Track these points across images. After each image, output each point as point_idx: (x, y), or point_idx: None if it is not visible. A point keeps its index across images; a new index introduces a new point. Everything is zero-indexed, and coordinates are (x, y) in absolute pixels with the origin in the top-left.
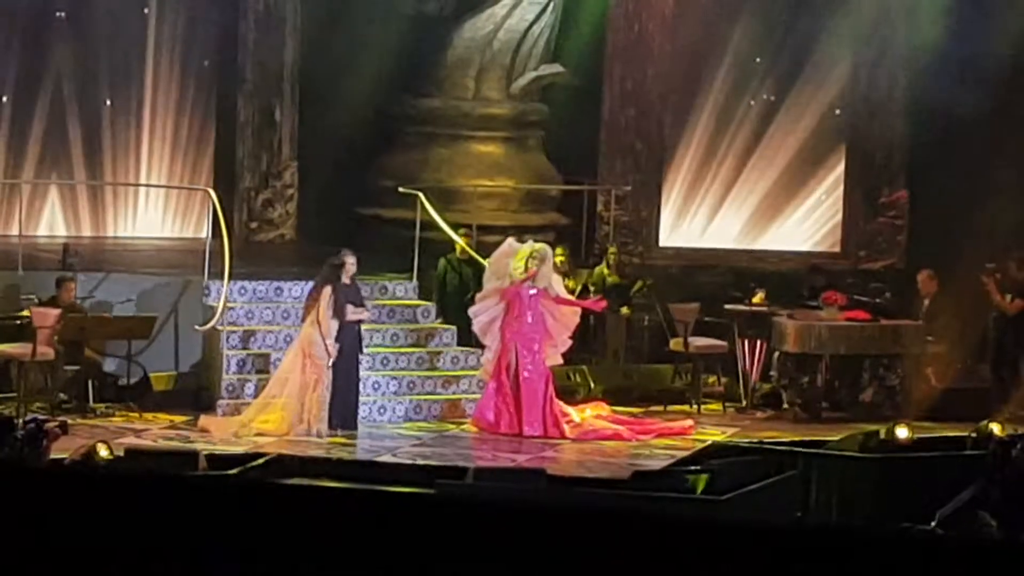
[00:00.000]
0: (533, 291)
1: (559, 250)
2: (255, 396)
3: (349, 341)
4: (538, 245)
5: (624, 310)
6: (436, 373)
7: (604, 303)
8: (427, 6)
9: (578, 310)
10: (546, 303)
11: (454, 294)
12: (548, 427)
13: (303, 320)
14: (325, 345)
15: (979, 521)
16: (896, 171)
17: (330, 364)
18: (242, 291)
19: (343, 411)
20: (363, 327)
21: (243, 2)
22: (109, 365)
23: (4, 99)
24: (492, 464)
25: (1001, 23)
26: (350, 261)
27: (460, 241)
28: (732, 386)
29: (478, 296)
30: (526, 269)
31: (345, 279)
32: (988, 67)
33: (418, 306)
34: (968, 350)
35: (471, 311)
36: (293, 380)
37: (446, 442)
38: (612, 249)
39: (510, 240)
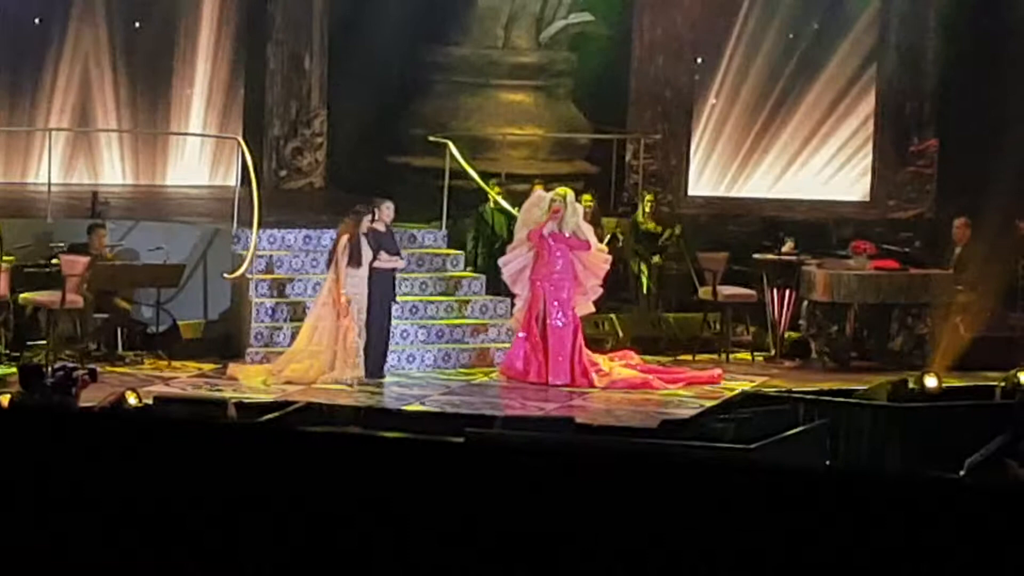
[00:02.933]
0: (561, 237)
1: (586, 197)
2: (284, 344)
3: (383, 289)
4: (562, 189)
5: (656, 259)
6: (465, 321)
7: (587, 246)
8: None
9: (608, 257)
10: (574, 251)
11: (487, 244)
12: (577, 376)
13: (328, 269)
14: (337, 291)
15: (1008, 470)
16: (926, 119)
17: (347, 311)
18: (271, 239)
19: (372, 359)
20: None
21: None
22: (138, 313)
23: (38, 47)
24: (521, 413)
25: None
26: (386, 206)
27: (492, 192)
28: (761, 335)
29: (509, 247)
30: (550, 209)
31: (380, 226)
32: (1020, 12)
33: (447, 254)
34: (997, 299)
35: (501, 260)
36: (323, 328)
37: (474, 391)
38: (649, 196)
39: (539, 191)
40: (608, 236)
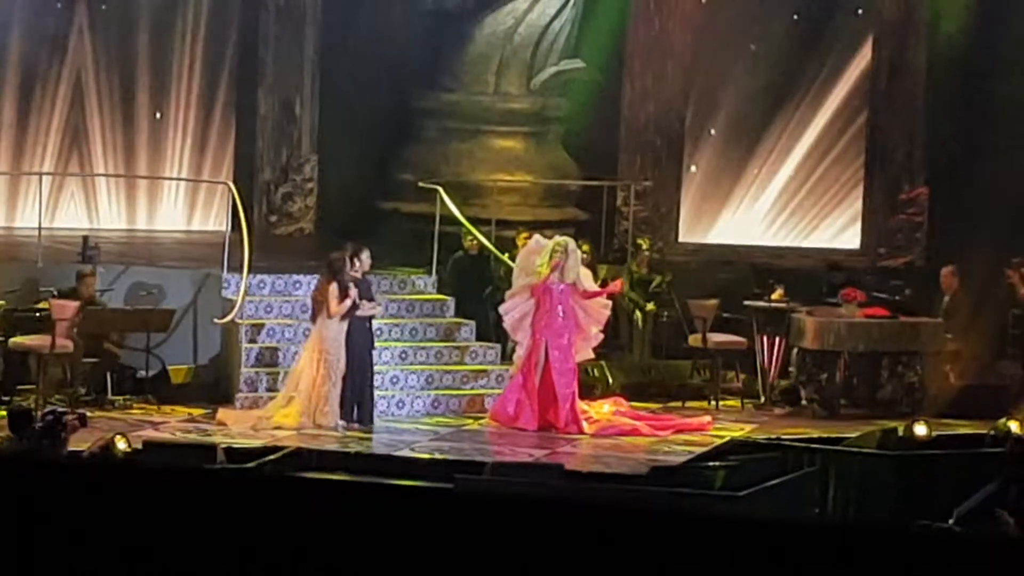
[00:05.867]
0: (562, 286)
1: (584, 247)
2: (273, 390)
3: (362, 336)
4: (561, 238)
5: (650, 306)
6: (455, 368)
7: (620, 282)
8: (448, 1)
9: (608, 303)
10: (576, 298)
11: (470, 290)
12: (567, 422)
13: (312, 318)
14: (318, 339)
15: (997, 519)
16: (916, 167)
17: (323, 359)
18: (261, 285)
19: (359, 406)
20: (382, 321)
21: None
22: (128, 358)
23: (29, 90)
24: (510, 459)
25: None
26: (365, 255)
27: (477, 234)
28: (751, 382)
29: (508, 293)
30: (551, 261)
31: (357, 274)
32: (1010, 62)
33: (437, 300)
34: (987, 347)
35: (501, 309)
36: (307, 375)
37: (464, 437)
38: (645, 244)
39: (537, 237)
40: (599, 282)
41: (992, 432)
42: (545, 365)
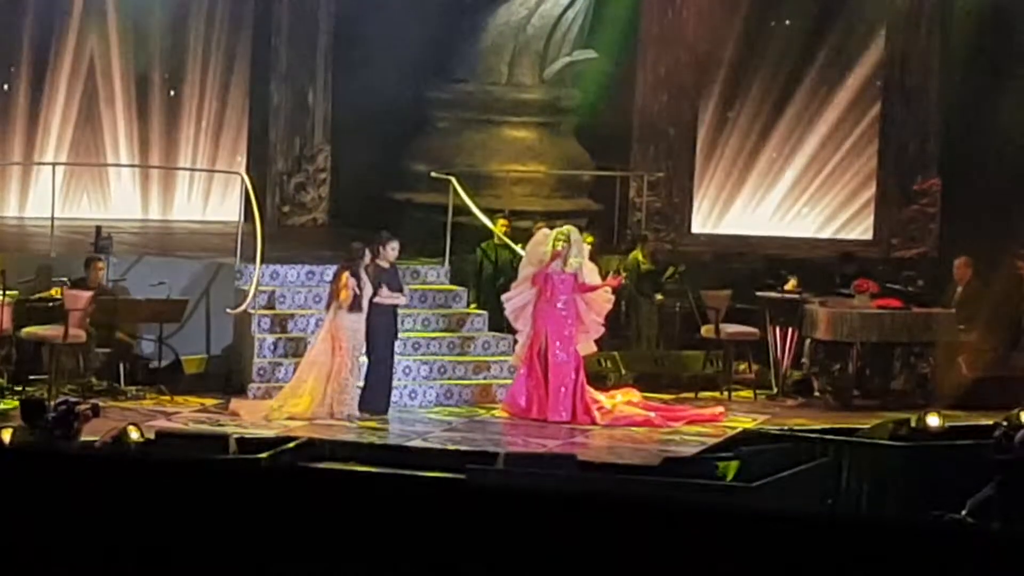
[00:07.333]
0: (564, 275)
1: (588, 238)
2: (286, 380)
3: (385, 325)
4: (565, 227)
5: (658, 297)
6: (467, 358)
7: (619, 278)
8: None
9: (611, 297)
10: (577, 289)
11: (488, 280)
12: (579, 413)
13: (327, 307)
14: (334, 328)
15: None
16: (929, 158)
17: (341, 348)
18: (274, 275)
19: (375, 396)
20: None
21: None
22: (141, 348)
23: (41, 81)
24: (523, 450)
25: None
26: (391, 246)
27: (494, 228)
28: (763, 373)
29: (513, 284)
30: (553, 249)
31: (383, 263)
32: (1022, 53)
33: (450, 291)
34: (999, 338)
35: (504, 297)
36: (321, 364)
37: (476, 427)
38: (651, 236)
39: (544, 229)
40: (610, 273)
41: (1004, 423)
42: (546, 355)
